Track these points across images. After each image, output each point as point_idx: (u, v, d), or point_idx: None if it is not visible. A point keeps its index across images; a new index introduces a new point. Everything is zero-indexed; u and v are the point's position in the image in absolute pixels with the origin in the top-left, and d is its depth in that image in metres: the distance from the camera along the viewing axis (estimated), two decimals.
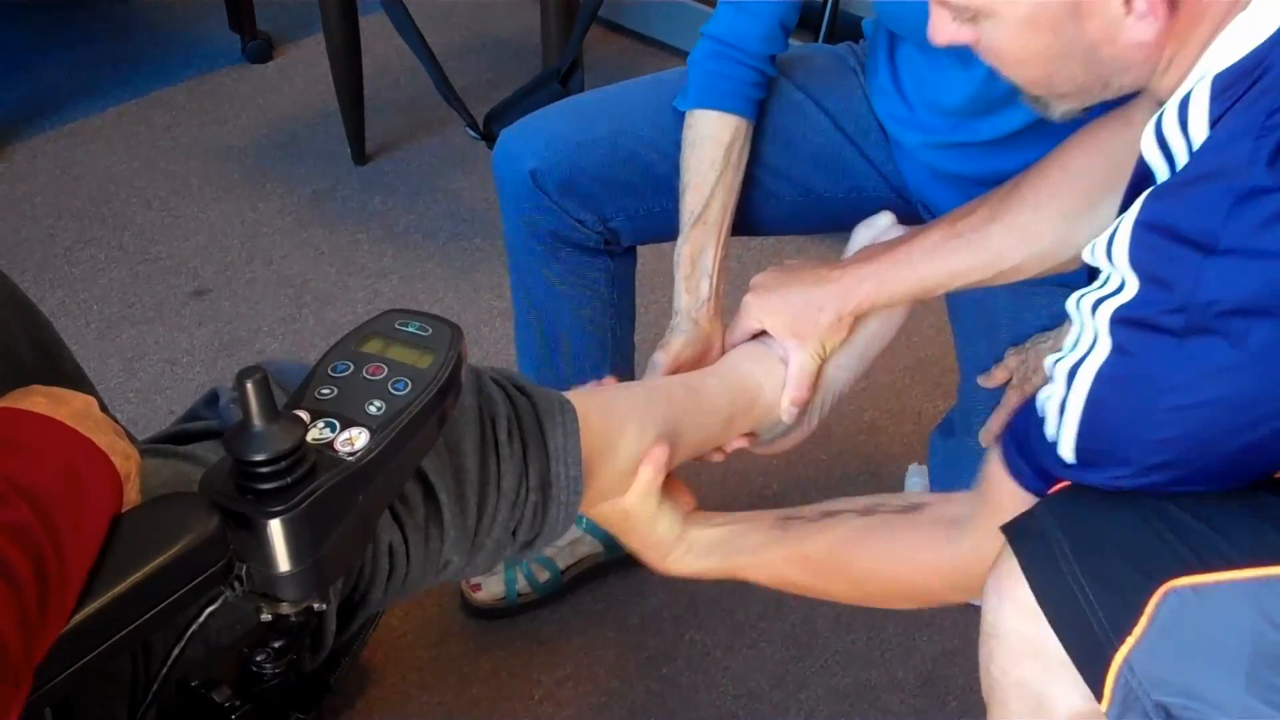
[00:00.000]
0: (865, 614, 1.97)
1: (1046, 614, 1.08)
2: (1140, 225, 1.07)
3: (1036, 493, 1.19)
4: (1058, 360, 1.13)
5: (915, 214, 1.82)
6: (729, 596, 2.00)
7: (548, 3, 2.72)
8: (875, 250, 1.58)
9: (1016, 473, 1.21)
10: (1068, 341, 1.13)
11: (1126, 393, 1.08)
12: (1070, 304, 1.13)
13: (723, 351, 1.66)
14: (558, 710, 1.86)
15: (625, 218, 1.80)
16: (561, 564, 1.99)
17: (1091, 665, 1.06)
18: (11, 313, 1.38)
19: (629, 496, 1.46)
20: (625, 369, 1.92)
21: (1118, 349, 1.08)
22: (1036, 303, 1.73)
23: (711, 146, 1.72)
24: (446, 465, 1.30)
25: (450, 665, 1.92)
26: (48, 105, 3.14)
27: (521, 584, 1.97)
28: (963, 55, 1.62)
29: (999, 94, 1.63)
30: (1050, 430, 1.13)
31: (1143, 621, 1.04)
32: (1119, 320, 1.08)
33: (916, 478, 2.09)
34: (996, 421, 1.79)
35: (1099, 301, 1.09)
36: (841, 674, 1.90)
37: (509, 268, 1.89)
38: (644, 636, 1.96)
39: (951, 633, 1.95)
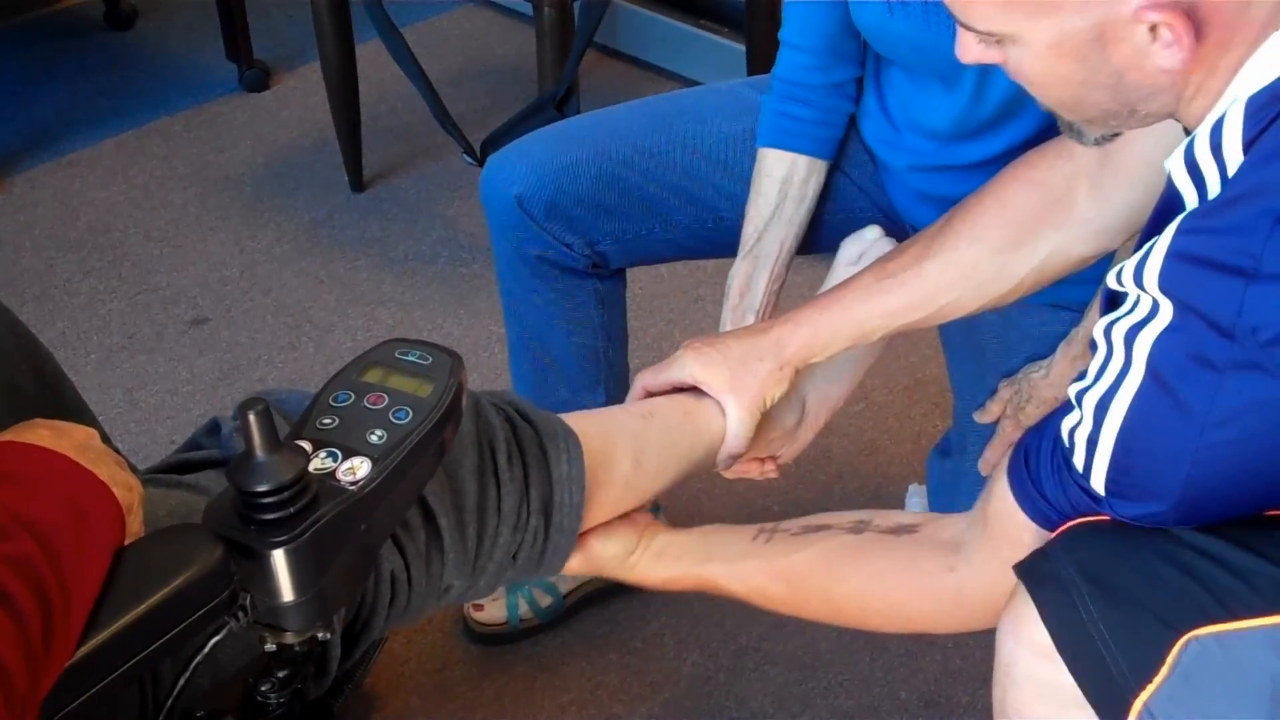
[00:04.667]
0: (868, 635, 1.97)
1: (1065, 658, 1.07)
2: (1174, 255, 1.05)
3: (1046, 523, 1.17)
4: (1084, 390, 1.11)
5: (904, 235, 1.83)
6: (732, 620, 2.00)
7: (543, 28, 2.72)
8: (813, 299, 1.56)
9: (1027, 503, 1.19)
10: (1093, 368, 1.11)
11: (1163, 425, 1.06)
12: (1098, 331, 1.11)
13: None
14: None
15: (612, 241, 1.81)
16: (564, 588, 2.00)
17: (1111, 709, 1.06)
18: (13, 344, 1.38)
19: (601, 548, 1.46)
20: (619, 392, 1.92)
21: (1154, 379, 1.06)
22: (1024, 322, 1.74)
23: (767, 182, 1.75)
24: (446, 490, 1.31)
25: (453, 691, 1.92)
26: (46, 136, 3.14)
27: (524, 609, 1.97)
28: (947, 78, 1.64)
29: (984, 117, 1.64)
30: (1079, 462, 1.12)
31: (1164, 670, 1.03)
32: (1156, 350, 1.06)
33: (916, 498, 2.10)
34: (993, 452, 1.79)
35: (1134, 329, 1.07)
36: (845, 696, 1.90)
37: (500, 292, 1.90)
38: (647, 660, 1.96)
39: (955, 653, 1.95)
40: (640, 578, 1.50)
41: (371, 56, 3.00)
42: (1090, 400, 1.10)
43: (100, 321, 2.59)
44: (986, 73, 1.59)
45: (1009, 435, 1.79)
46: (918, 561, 1.34)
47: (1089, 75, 1.12)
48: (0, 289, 1.45)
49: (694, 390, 1.54)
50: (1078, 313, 1.71)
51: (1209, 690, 1.03)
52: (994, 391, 1.81)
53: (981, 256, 1.48)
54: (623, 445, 1.46)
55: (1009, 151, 1.65)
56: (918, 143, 1.74)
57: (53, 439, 1.03)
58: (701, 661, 1.95)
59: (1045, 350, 1.77)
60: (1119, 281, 1.10)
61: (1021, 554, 1.16)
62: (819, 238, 1.81)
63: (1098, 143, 1.24)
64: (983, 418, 1.81)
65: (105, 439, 1.13)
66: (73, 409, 1.44)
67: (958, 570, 1.29)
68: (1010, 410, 1.79)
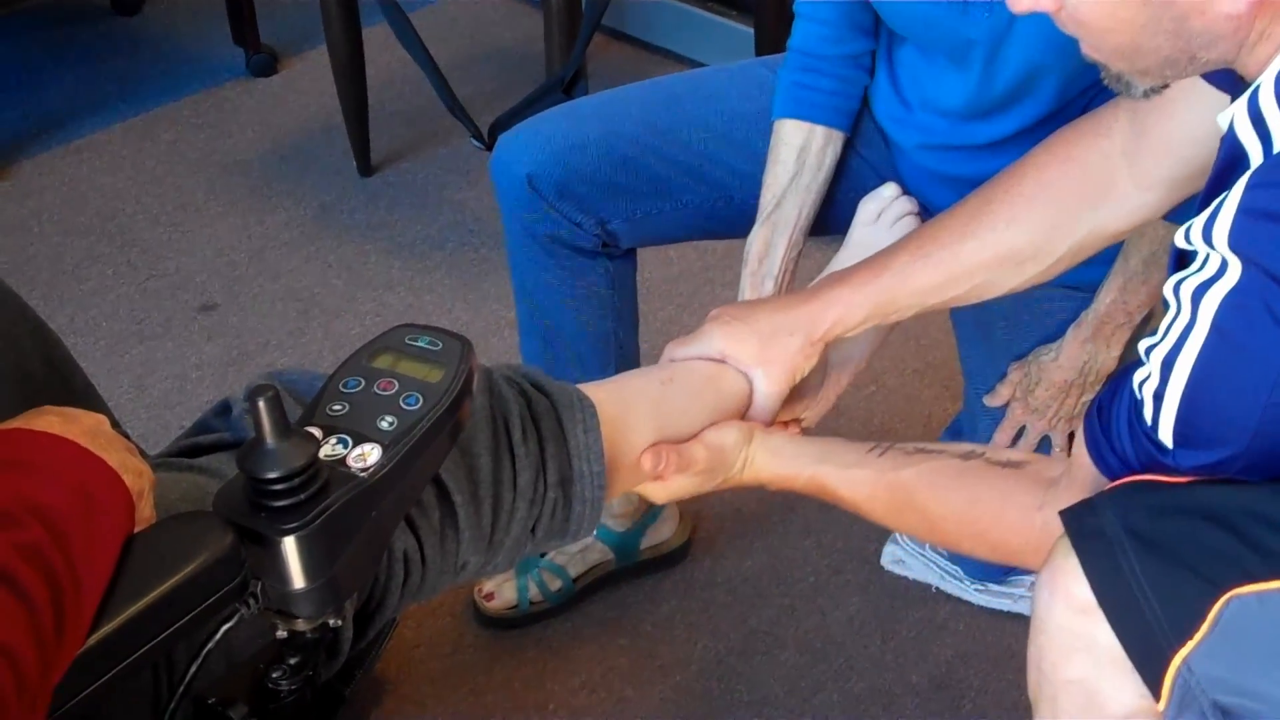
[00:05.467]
0: (879, 619, 1.97)
1: (1105, 611, 1.07)
2: (1244, 211, 1.04)
3: (1109, 472, 1.18)
4: (1153, 346, 1.11)
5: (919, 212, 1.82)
6: (742, 603, 2.00)
7: (551, 12, 2.72)
8: (845, 272, 1.55)
9: (1094, 451, 1.20)
10: (1162, 325, 1.11)
11: (1232, 377, 1.06)
12: (1167, 289, 1.11)
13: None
14: (571, 719, 1.86)
15: (622, 220, 1.80)
16: (573, 572, 2.00)
17: (1150, 664, 1.06)
18: (22, 330, 1.38)
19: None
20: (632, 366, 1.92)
21: (1219, 335, 1.06)
22: (1035, 305, 1.73)
23: (785, 150, 1.74)
24: (460, 466, 1.30)
25: (463, 675, 1.92)
26: (53, 122, 3.14)
27: (534, 592, 1.97)
28: (958, 56, 1.63)
29: (995, 96, 1.63)
30: (1148, 415, 1.12)
31: (1204, 627, 1.03)
32: (1224, 308, 1.05)
33: None
34: (1003, 435, 1.79)
35: (1202, 287, 1.07)
36: (856, 679, 1.90)
37: (511, 273, 1.89)
38: (657, 644, 1.96)
39: (965, 636, 1.95)
40: (753, 474, 1.50)
41: (379, 41, 2.99)
42: (1157, 356, 1.10)
43: (109, 307, 2.59)
44: (996, 52, 1.58)
45: (1018, 418, 1.78)
46: (1013, 494, 1.34)
47: (1151, 19, 1.09)
48: (9, 275, 1.45)
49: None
50: (1089, 295, 1.71)
51: (1248, 648, 1.03)
52: (1004, 375, 1.80)
53: (1020, 238, 1.47)
54: (642, 412, 1.45)
55: (1020, 132, 1.65)
56: (929, 121, 1.73)
57: (62, 425, 1.03)
58: (712, 645, 1.95)
59: (1056, 333, 1.77)
60: (1187, 239, 1.09)
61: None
62: (833, 216, 1.80)
63: (1146, 95, 1.21)
64: (993, 401, 1.81)
65: (115, 425, 1.12)
66: (82, 395, 1.44)
67: (1045, 509, 1.29)
68: (1020, 393, 1.79)
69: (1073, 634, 1.10)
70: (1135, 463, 1.16)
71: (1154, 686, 1.06)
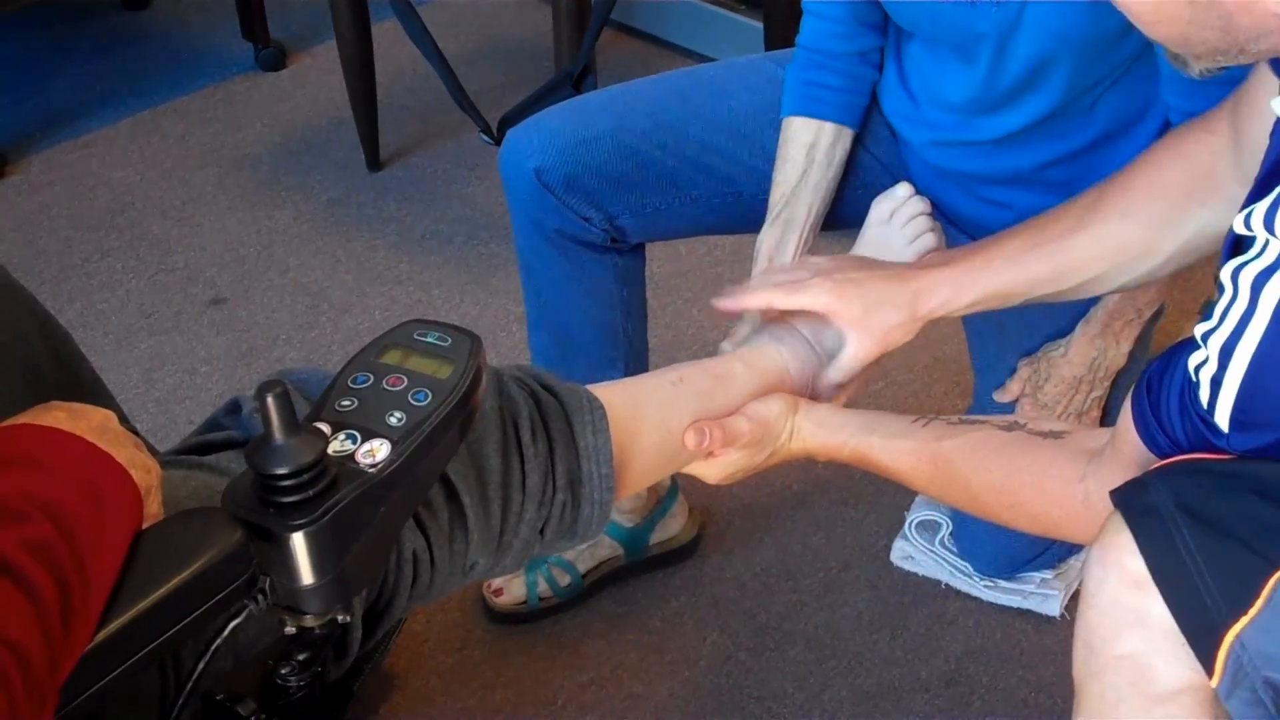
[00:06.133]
0: (888, 615, 1.97)
1: (1159, 585, 1.06)
2: None
3: (1156, 449, 1.17)
4: (1210, 331, 1.10)
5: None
6: (750, 599, 2.00)
7: (559, 6, 2.71)
8: (953, 254, 1.55)
9: (1141, 427, 1.19)
10: (1218, 310, 1.10)
11: None
12: (1225, 274, 1.10)
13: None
14: (580, 714, 1.86)
15: (630, 214, 1.80)
16: (582, 567, 1.99)
17: (1203, 640, 1.05)
18: (31, 324, 1.38)
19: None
20: (639, 368, 1.92)
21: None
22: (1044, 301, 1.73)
23: (794, 148, 1.74)
24: (469, 467, 1.30)
25: (473, 670, 1.92)
26: (62, 117, 3.14)
27: (543, 588, 1.97)
28: (965, 51, 1.63)
29: (1002, 90, 1.63)
30: (1204, 397, 1.11)
31: (1258, 603, 1.02)
32: None
33: None
34: None
35: (1263, 274, 1.06)
36: (865, 675, 1.90)
37: (519, 268, 1.89)
38: (666, 640, 1.96)
39: (975, 632, 1.95)
40: (800, 445, 1.51)
41: (388, 35, 2.99)
42: (1216, 342, 1.09)
43: (118, 302, 2.59)
44: (1004, 45, 1.58)
45: (1028, 414, 1.78)
46: (1055, 466, 1.34)
47: (1197, 15, 1.09)
48: (18, 269, 1.45)
49: (734, 355, 1.55)
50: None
51: None
52: (1014, 370, 1.80)
53: (1133, 232, 1.47)
54: (651, 413, 1.45)
55: (1028, 127, 1.65)
56: (936, 117, 1.73)
57: (70, 421, 1.02)
58: (721, 641, 1.95)
59: (1066, 329, 1.76)
60: (1247, 226, 1.09)
61: (1134, 475, 1.15)
62: (843, 213, 1.80)
63: (1202, 75, 1.20)
64: (1002, 397, 1.80)
65: (123, 420, 1.12)
66: (90, 389, 1.43)
67: (1086, 480, 1.29)
68: (1029, 389, 1.78)
69: (1125, 608, 1.09)
70: (1185, 443, 1.15)
71: (1207, 662, 1.05)
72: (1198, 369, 1.12)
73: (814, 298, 1.52)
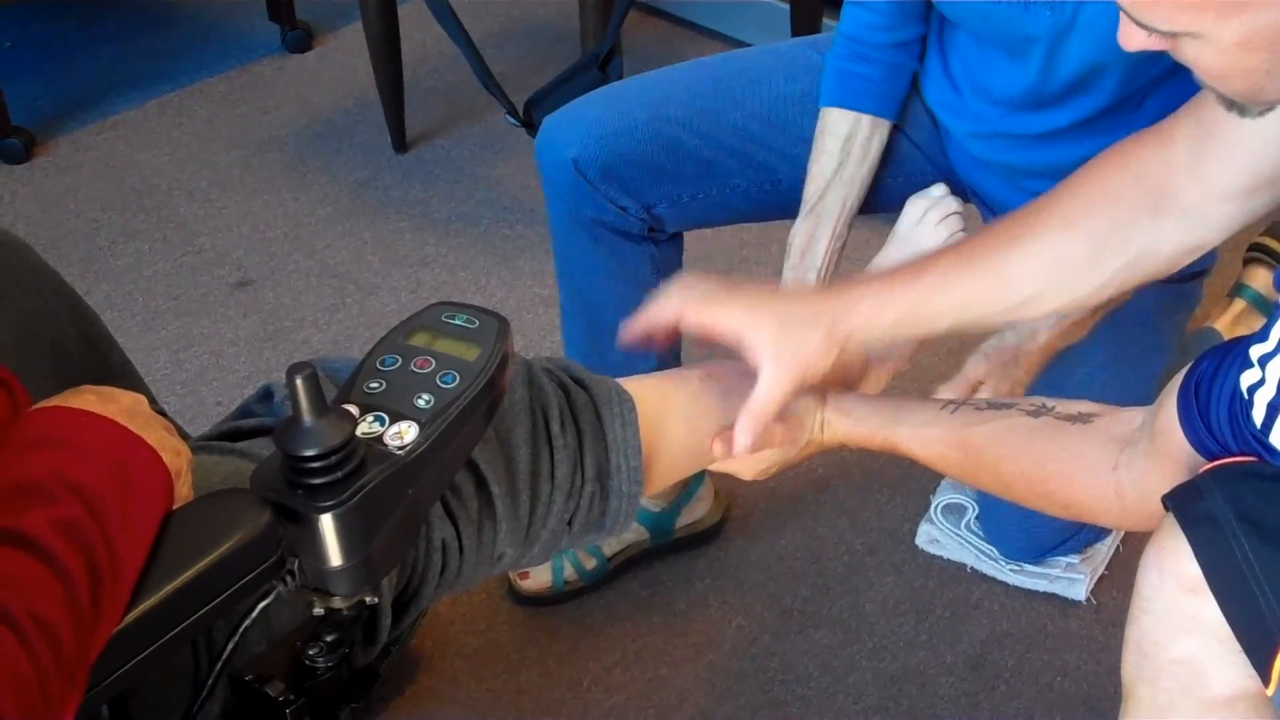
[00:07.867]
0: (914, 598, 1.97)
1: (1215, 593, 1.06)
2: None
3: (1204, 451, 1.14)
4: (1268, 356, 1.07)
5: (966, 199, 1.80)
6: (775, 582, 2.00)
7: None
8: (881, 272, 1.48)
9: (1189, 429, 1.16)
10: (1274, 334, 1.07)
11: None
12: None
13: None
14: (606, 696, 1.86)
15: (668, 204, 1.80)
16: (608, 551, 2.00)
17: (1260, 648, 1.05)
18: (60, 306, 1.39)
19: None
20: (673, 359, 1.92)
21: None
22: None
23: (830, 140, 1.74)
24: (499, 457, 1.30)
25: (498, 653, 1.92)
26: (89, 99, 3.15)
27: (568, 571, 1.98)
28: (1015, 50, 1.61)
29: (1053, 90, 1.61)
30: (1258, 418, 1.08)
31: None
32: None
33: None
34: None
35: None
36: (890, 659, 1.90)
37: (554, 256, 1.89)
38: (691, 622, 1.96)
39: (1000, 616, 1.94)
40: (832, 435, 1.49)
41: (414, 16, 2.99)
42: (1274, 369, 1.06)
43: (145, 284, 2.60)
44: (1057, 48, 1.56)
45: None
46: (1085, 453, 1.31)
47: (1275, 64, 1.08)
48: (46, 251, 1.45)
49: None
50: None
51: None
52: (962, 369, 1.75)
53: (1073, 243, 1.40)
54: (680, 407, 1.45)
55: (1075, 124, 1.63)
56: (981, 109, 1.71)
57: (100, 404, 1.03)
58: (745, 624, 1.95)
59: None
60: None
61: (1178, 473, 1.14)
62: (880, 199, 1.79)
63: (1261, 114, 1.19)
64: (951, 393, 1.75)
65: (153, 403, 1.13)
66: (119, 371, 1.44)
67: (1119, 470, 1.26)
68: (992, 384, 1.72)
69: (1181, 613, 1.09)
70: (1236, 449, 1.12)
71: (1263, 670, 1.05)
72: (1251, 389, 1.09)
73: (727, 317, 1.39)
